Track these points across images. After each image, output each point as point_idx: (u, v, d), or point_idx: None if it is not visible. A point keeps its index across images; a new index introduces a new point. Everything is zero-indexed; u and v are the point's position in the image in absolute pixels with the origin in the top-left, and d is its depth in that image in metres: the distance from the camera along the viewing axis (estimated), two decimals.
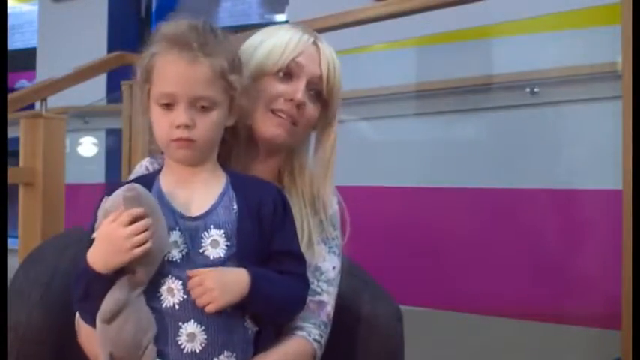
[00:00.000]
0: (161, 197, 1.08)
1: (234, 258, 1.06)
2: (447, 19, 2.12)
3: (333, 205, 1.28)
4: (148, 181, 1.11)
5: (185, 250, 1.05)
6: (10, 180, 1.77)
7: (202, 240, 1.05)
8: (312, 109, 1.22)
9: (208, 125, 1.07)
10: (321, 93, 1.22)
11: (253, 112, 1.19)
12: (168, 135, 1.07)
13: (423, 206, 2.62)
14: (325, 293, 1.23)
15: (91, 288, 1.02)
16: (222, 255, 1.05)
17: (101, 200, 1.06)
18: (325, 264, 1.25)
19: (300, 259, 1.14)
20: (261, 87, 1.20)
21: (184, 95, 1.06)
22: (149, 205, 1.01)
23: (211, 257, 1.05)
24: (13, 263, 1.35)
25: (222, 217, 1.07)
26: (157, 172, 1.14)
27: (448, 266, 2.50)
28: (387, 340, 1.32)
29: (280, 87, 1.19)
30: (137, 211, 0.99)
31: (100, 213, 1.03)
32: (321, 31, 1.99)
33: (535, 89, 2.46)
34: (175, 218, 1.06)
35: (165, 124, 1.07)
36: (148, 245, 0.99)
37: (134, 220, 0.99)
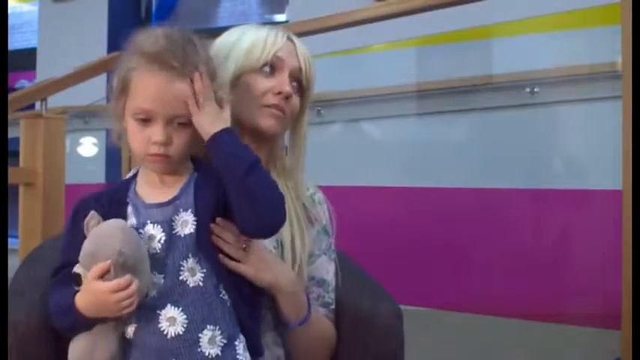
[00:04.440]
0: (135, 196, 1.12)
1: (201, 233, 1.09)
2: (447, 19, 2.12)
3: (325, 212, 1.34)
4: (126, 185, 1.14)
5: (164, 238, 1.07)
6: (10, 180, 1.76)
7: (174, 223, 1.08)
8: (295, 100, 1.27)
9: (184, 140, 1.09)
10: (301, 84, 1.28)
11: (243, 108, 1.23)
12: (145, 149, 1.08)
13: (423, 206, 2.62)
14: (334, 302, 1.31)
15: (78, 324, 1.06)
16: (192, 231, 1.08)
17: (83, 210, 1.09)
18: (329, 275, 1.31)
19: None
20: (247, 84, 1.24)
21: (162, 113, 1.07)
22: (136, 261, 1.03)
23: (183, 235, 1.08)
24: (13, 263, 1.35)
25: (188, 199, 1.10)
26: (135, 174, 1.17)
27: (449, 266, 2.50)
28: (387, 340, 1.32)
29: (267, 82, 1.24)
30: (126, 280, 1.02)
31: (86, 255, 1.05)
32: (321, 31, 2.00)
33: (535, 89, 2.46)
34: (147, 210, 1.09)
35: (141, 139, 1.08)
36: (135, 304, 1.03)
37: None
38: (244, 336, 1.09)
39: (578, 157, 2.39)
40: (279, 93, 1.23)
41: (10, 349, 1.18)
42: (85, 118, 3.76)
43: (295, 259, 1.25)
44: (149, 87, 1.07)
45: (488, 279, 2.40)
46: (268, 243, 1.23)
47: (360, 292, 1.35)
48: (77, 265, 1.06)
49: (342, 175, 2.58)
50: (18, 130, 2.18)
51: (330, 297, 1.31)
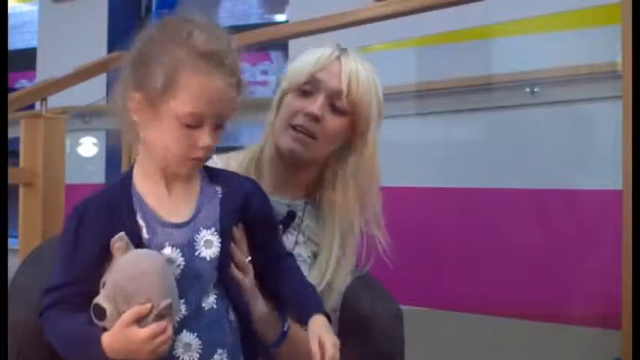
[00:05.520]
0: (146, 211, 1.04)
1: (224, 255, 1.05)
2: (447, 19, 2.12)
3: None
4: (125, 190, 1.06)
5: (182, 263, 1.02)
6: (10, 180, 1.76)
7: (196, 243, 1.03)
8: (332, 122, 1.26)
9: (216, 143, 1.04)
10: (340, 106, 1.26)
11: (277, 125, 1.27)
12: (189, 154, 1.02)
13: (423, 206, 2.62)
14: (339, 309, 1.32)
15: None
16: (217, 253, 1.04)
17: (86, 222, 1.02)
18: (343, 285, 1.33)
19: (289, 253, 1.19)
20: (286, 102, 1.27)
21: (214, 117, 1.01)
22: (174, 305, 0.98)
23: (208, 258, 1.03)
24: (13, 263, 1.35)
25: (209, 215, 1.05)
26: (126, 179, 1.08)
27: (449, 266, 2.50)
28: (387, 340, 1.32)
29: (299, 102, 1.26)
30: (164, 324, 0.96)
31: (121, 291, 0.97)
32: (321, 31, 2.00)
33: (535, 89, 2.45)
34: (164, 229, 1.03)
35: (187, 143, 1.01)
36: (167, 346, 0.98)
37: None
38: (244, 355, 1.07)
39: (578, 157, 2.39)
40: (307, 114, 1.23)
41: (10, 349, 1.18)
42: (85, 118, 3.76)
43: (325, 276, 1.27)
44: (205, 90, 0.99)
45: (488, 279, 2.40)
46: (304, 252, 1.27)
47: (360, 292, 1.35)
48: (101, 296, 0.98)
49: None
50: (18, 130, 2.18)
51: (338, 304, 1.32)
